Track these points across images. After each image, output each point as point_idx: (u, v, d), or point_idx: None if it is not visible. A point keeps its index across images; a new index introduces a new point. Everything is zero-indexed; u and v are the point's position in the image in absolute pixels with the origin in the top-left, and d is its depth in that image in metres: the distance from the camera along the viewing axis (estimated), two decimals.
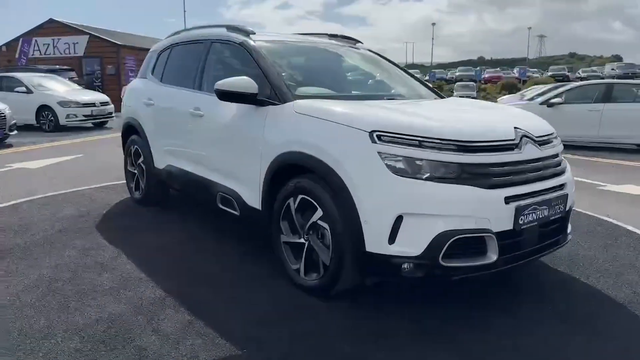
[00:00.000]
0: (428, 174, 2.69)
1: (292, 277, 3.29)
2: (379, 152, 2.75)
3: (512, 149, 2.90)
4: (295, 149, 3.15)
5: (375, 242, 2.75)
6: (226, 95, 3.56)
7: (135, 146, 5.31)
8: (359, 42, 4.94)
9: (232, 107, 3.79)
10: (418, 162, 2.70)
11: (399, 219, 2.68)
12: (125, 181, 5.75)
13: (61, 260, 3.78)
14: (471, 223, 2.68)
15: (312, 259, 3.17)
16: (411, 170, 2.70)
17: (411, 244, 2.69)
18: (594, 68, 44.68)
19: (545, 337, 2.74)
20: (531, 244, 2.97)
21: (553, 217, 3.04)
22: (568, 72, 43.49)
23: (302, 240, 3.22)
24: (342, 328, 2.80)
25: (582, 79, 38.78)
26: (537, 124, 3.30)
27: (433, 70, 54.30)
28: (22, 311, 2.95)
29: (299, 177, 3.18)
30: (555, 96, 11.28)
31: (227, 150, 3.86)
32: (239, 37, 4.08)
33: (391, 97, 3.93)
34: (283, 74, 3.68)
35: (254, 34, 4.13)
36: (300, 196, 3.16)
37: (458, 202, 2.68)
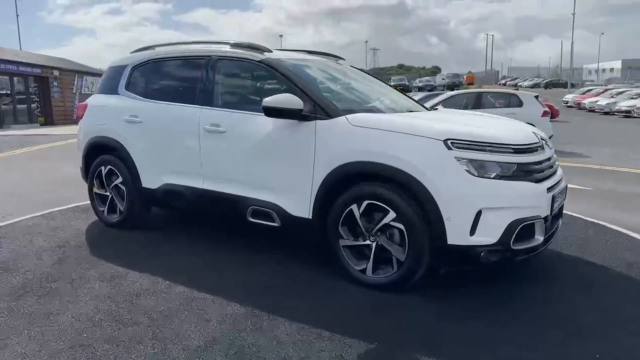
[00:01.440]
0: (495, 174, 3.21)
1: (356, 277, 3.56)
2: (455, 157, 3.19)
3: (538, 150, 3.56)
4: (365, 159, 3.44)
5: (458, 235, 3.19)
6: (273, 112, 3.70)
7: (109, 166, 4.99)
8: (342, 58, 5.30)
9: (266, 123, 3.92)
10: (487, 164, 3.21)
11: (478, 214, 3.16)
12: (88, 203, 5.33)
13: (94, 292, 3.52)
14: (530, 211, 3.28)
15: (379, 258, 3.47)
16: (483, 171, 3.20)
17: (489, 233, 3.18)
18: (428, 78, 50.45)
19: None
20: (552, 227, 3.66)
21: (561, 204, 3.78)
22: (407, 82, 48.39)
23: (367, 242, 3.50)
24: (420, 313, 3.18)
25: (420, 88, 43.44)
26: (538, 130, 4.03)
27: None
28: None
29: (364, 184, 3.47)
30: (435, 105, 12.78)
31: (263, 164, 3.95)
32: (256, 55, 4.19)
33: (410, 110, 4.39)
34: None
35: (271, 52, 4.28)
36: (366, 202, 3.45)
37: (521, 195, 3.25)
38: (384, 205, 3.39)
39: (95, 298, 3.41)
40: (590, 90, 37.02)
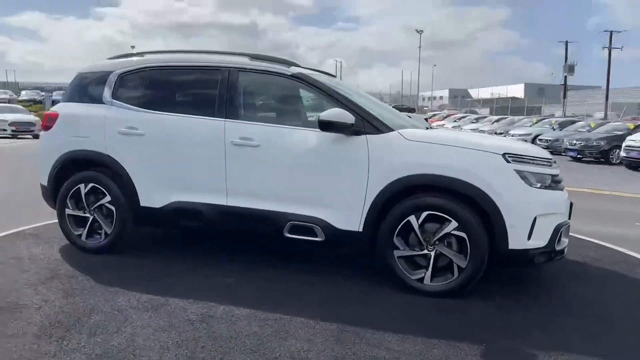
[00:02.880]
0: (540, 184, 3.63)
1: (413, 287, 3.69)
2: (514, 170, 3.54)
3: (552, 165, 4.09)
4: (427, 172, 3.62)
5: (517, 240, 3.53)
6: (327, 126, 3.71)
7: (91, 184, 4.43)
8: (334, 75, 5.37)
9: (307, 137, 3.91)
10: (535, 176, 3.62)
11: (534, 220, 3.54)
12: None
13: (145, 322, 3.13)
14: (563, 217, 3.76)
15: (438, 266, 3.66)
16: (533, 182, 3.60)
17: (541, 237, 3.58)
18: None
19: None
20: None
21: None
22: None
23: (425, 251, 3.67)
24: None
25: None
26: None
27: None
28: None
29: (424, 195, 3.64)
30: None
31: (306, 178, 3.89)
32: (286, 69, 4.14)
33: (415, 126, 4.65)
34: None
35: (298, 65, 4.24)
36: (425, 212, 3.62)
37: (558, 202, 3.72)
38: (445, 216, 3.59)
39: (157, 329, 3.04)
40: (435, 114, 41.50)
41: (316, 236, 3.89)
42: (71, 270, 4.06)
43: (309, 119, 4.42)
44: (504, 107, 51.93)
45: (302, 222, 3.90)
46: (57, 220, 4.62)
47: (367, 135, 3.79)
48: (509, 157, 3.60)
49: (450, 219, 3.58)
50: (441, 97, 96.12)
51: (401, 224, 3.69)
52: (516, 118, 31.41)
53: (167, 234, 5.18)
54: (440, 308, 3.48)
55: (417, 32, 51.63)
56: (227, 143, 4.04)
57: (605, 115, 38.15)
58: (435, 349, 2.89)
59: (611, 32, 42.33)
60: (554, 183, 3.77)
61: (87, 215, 4.50)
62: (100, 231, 4.49)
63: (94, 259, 4.34)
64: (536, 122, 27.46)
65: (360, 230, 3.79)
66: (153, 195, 4.29)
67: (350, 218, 3.80)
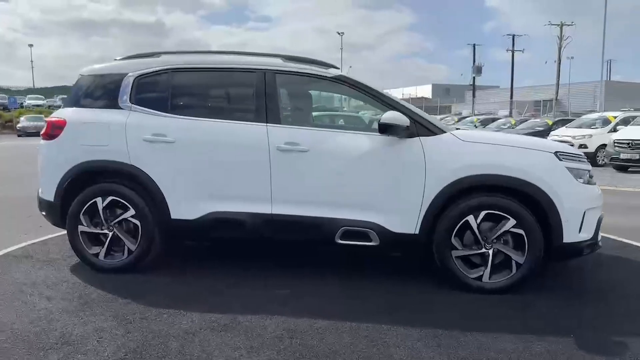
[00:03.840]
0: (584, 179, 3.84)
1: (471, 285, 3.74)
2: (566, 167, 3.71)
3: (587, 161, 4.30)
4: (486, 172, 3.68)
5: (571, 234, 3.70)
6: (386, 129, 3.68)
7: (111, 197, 4.03)
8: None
9: (358, 141, 3.86)
10: (581, 172, 3.82)
11: (584, 214, 3.73)
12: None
13: (236, 346, 2.91)
14: (600, 210, 3.99)
15: (495, 264, 3.75)
16: (580, 178, 3.79)
17: (588, 230, 3.79)
18: None
19: None
20: None
21: None
22: None
23: (483, 250, 3.74)
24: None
25: None
26: None
27: (14, 96, 50.16)
28: None
29: (482, 195, 3.70)
30: None
31: (360, 183, 3.81)
32: (327, 71, 4.03)
33: None
34: None
35: (337, 68, 4.14)
36: (484, 212, 3.69)
37: (598, 196, 3.94)
38: (503, 214, 3.68)
39: (250, 350, 2.83)
40: None
41: (370, 241, 3.82)
42: (104, 294, 3.66)
43: (352, 121, 4.35)
44: (417, 108, 54.32)
45: (356, 227, 3.82)
46: (40, 239, 4.15)
47: (420, 137, 3.79)
48: (560, 155, 3.76)
49: (509, 216, 3.68)
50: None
51: (459, 224, 3.72)
52: (437, 117, 32.93)
53: (176, 249, 4.84)
54: (506, 305, 3.56)
55: (338, 34, 52.55)
56: (272, 148, 3.86)
57: (510, 112, 41.11)
58: (534, 344, 2.94)
59: (513, 36, 45.79)
60: (590, 178, 3.99)
61: (106, 231, 4.09)
62: (120, 248, 4.10)
63: (120, 279, 3.95)
64: (458, 121, 29.01)
65: (417, 232, 3.78)
66: (186, 206, 3.98)
67: (406, 221, 3.78)
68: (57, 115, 4.28)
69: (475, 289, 3.74)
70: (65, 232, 4.25)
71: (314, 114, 4.54)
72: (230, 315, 3.30)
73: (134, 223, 4.05)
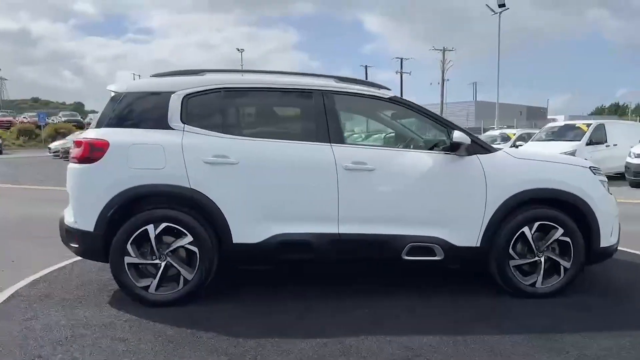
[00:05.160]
0: (607, 189, 4.35)
1: (527, 291, 4.03)
2: (599, 180, 4.19)
3: None
4: (539, 186, 4.01)
5: (606, 239, 4.16)
6: (455, 147, 3.87)
7: (164, 224, 3.75)
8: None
9: (421, 159, 4.02)
10: (605, 184, 4.32)
11: (614, 220, 4.22)
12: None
13: None
14: None
15: (545, 270, 4.09)
16: (606, 189, 4.29)
17: (616, 235, 4.28)
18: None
19: None
20: None
21: None
22: (82, 117, 44.25)
23: (536, 258, 4.06)
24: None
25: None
26: None
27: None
28: None
29: (534, 208, 4.03)
30: None
31: (425, 199, 3.94)
32: (383, 92, 4.15)
33: None
34: None
35: (389, 89, 4.26)
36: (537, 223, 4.03)
37: (617, 204, 4.48)
38: (553, 224, 4.04)
39: None
40: None
41: (435, 255, 3.97)
42: (180, 330, 3.37)
43: (406, 141, 4.46)
44: None
45: (422, 243, 3.95)
46: (37, 275, 3.73)
47: (477, 155, 4.03)
48: (592, 169, 4.23)
49: (557, 226, 4.04)
50: None
51: (516, 235, 4.01)
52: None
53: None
54: (567, 306, 3.88)
55: (238, 50, 51.79)
56: (339, 168, 3.86)
57: None
58: (626, 339, 3.27)
59: (401, 59, 48.90)
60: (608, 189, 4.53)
61: (157, 261, 3.78)
62: (172, 279, 3.81)
63: (178, 312, 3.67)
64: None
65: (478, 245, 4.00)
66: (250, 229, 3.82)
67: (469, 234, 3.98)
68: (93, 136, 3.87)
69: (529, 294, 4.04)
70: (54, 264, 3.94)
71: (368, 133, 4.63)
72: (336, 339, 3.24)
73: (190, 251, 3.79)
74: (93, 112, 58.46)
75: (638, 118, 39.53)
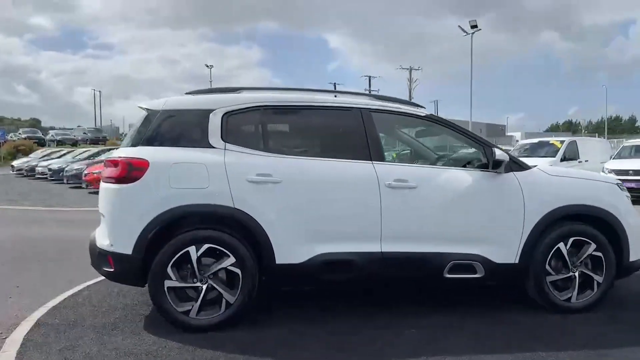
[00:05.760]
0: None
1: (563, 306, 4.09)
2: (626, 196, 4.32)
3: None
4: (572, 203, 4.09)
5: (634, 253, 4.26)
6: (497, 165, 3.93)
7: (207, 245, 3.63)
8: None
9: (460, 176, 4.05)
10: (629, 199, 4.46)
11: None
12: None
13: None
14: None
15: (579, 285, 4.16)
16: (631, 204, 4.44)
17: None
18: (64, 131, 45.40)
19: None
20: None
21: None
22: (43, 134, 42.84)
23: (570, 274, 4.13)
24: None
25: (58, 141, 39.25)
26: None
27: None
28: None
29: (569, 224, 4.11)
30: None
31: (466, 217, 3.96)
32: (420, 110, 4.18)
33: None
34: None
35: (424, 107, 4.29)
36: (572, 238, 4.11)
37: None
38: (587, 239, 4.13)
39: None
40: None
41: (476, 273, 3.98)
42: (232, 357, 3.25)
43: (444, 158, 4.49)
44: None
45: (464, 261, 3.96)
46: (55, 301, 3.67)
47: (514, 172, 4.09)
48: (619, 185, 4.36)
49: (591, 241, 4.13)
50: None
51: (552, 251, 4.08)
52: None
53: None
54: (604, 322, 3.96)
55: (207, 66, 51.37)
56: (382, 186, 3.84)
57: None
58: None
59: (370, 77, 49.71)
60: None
61: (198, 284, 3.64)
62: (213, 303, 3.68)
63: (225, 338, 3.53)
64: None
65: (517, 262, 4.03)
66: (293, 249, 3.74)
67: (508, 251, 4.02)
68: (130, 154, 3.72)
69: (565, 309, 4.09)
70: (65, 289, 4.01)
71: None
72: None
73: (233, 272, 3.67)
74: (52, 128, 57.08)
75: (597, 135, 41.56)
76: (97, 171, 15.94)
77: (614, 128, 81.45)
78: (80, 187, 17.07)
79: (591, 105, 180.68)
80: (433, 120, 4.22)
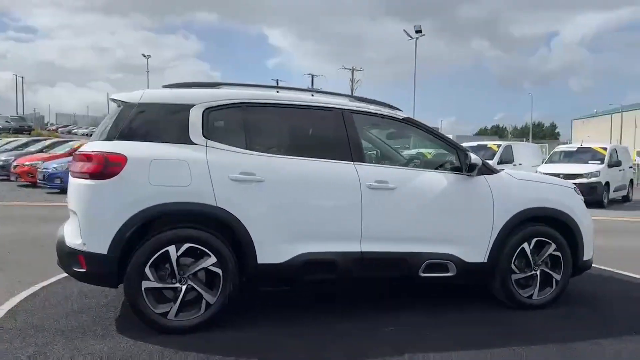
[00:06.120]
0: None
1: (524, 302, 4.31)
2: (581, 199, 4.63)
3: None
4: (537, 205, 4.33)
5: (587, 253, 4.57)
6: (472, 168, 4.08)
7: (187, 245, 3.52)
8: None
9: (436, 179, 4.18)
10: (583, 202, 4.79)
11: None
12: None
13: None
14: None
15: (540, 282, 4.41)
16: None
17: (592, 250, 4.73)
18: None
19: None
20: None
21: None
22: None
23: (532, 272, 4.37)
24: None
25: None
26: None
27: None
28: None
29: (533, 225, 4.34)
30: None
31: (441, 217, 4.09)
32: (398, 113, 4.26)
33: None
34: None
35: (400, 110, 4.37)
36: (536, 239, 4.34)
37: None
38: (548, 240, 4.38)
39: None
40: None
41: (448, 272, 4.12)
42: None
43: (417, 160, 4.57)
44: None
45: (438, 260, 4.08)
46: (9, 304, 3.65)
47: (484, 175, 4.27)
48: (575, 189, 4.66)
49: (551, 242, 4.39)
50: None
51: (517, 251, 4.29)
52: None
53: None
54: (563, 318, 4.23)
55: (144, 56, 49.35)
56: (363, 187, 3.89)
57: None
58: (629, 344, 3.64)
59: (312, 76, 49.79)
60: None
61: (177, 285, 3.53)
62: (192, 303, 3.58)
63: (207, 339, 3.45)
64: None
65: (485, 261, 4.21)
66: (274, 249, 3.71)
67: (478, 251, 4.19)
68: (105, 149, 3.53)
69: (527, 306, 4.32)
70: (18, 291, 3.90)
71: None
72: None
73: (213, 272, 3.59)
74: (17, 118, 52.07)
75: (525, 139, 43.98)
76: (28, 163, 15.01)
77: (537, 133, 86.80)
78: (9, 180, 15.95)
79: (516, 112, 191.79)
80: (410, 122, 4.31)
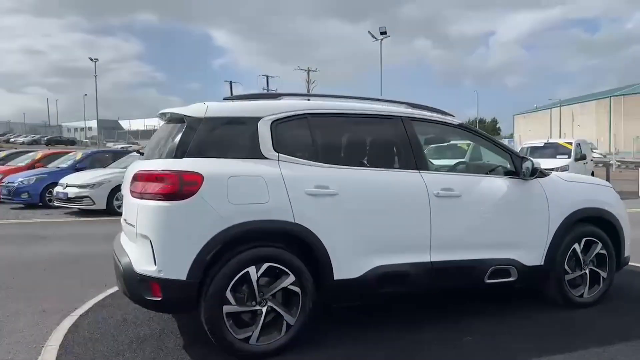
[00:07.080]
0: None
1: (577, 302, 4.41)
2: (620, 198, 4.78)
3: None
4: (585, 206, 4.42)
5: (627, 250, 4.73)
6: (535, 172, 4.13)
7: (266, 264, 3.33)
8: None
9: (496, 184, 4.19)
10: None
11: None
12: None
13: None
14: None
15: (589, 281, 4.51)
16: None
17: (629, 247, 4.90)
18: None
19: None
20: None
21: None
22: None
23: (582, 272, 4.47)
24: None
25: None
26: None
27: None
28: None
29: (581, 225, 4.44)
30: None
31: (502, 222, 4.09)
32: (451, 119, 4.24)
33: None
34: None
35: (453, 115, 4.34)
36: (585, 239, 4.44)
37: None
38: (595, 239, 4.49)
39: None
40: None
41: (510, 277, 4.14)
42: None
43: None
44: None
45: (502, 266, 4.09)
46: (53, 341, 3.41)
47: (538, 178, 4.31)
48: (613, 188, 4.81)
49: (598, 241, 4.50)
50: (90, 128, 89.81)
51: (569, 252, 4.38)
52: None
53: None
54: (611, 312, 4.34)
55: (91, 60, 47.13)
56: (431, 195, 3.83)
57: None
58: None
59: (267, 77, 49.35)
60: None
61: (257, 307, 3.35)
62: (272, 326, 3.40)
63: None
64: None
65: (542, 264, 4.27)
66: (350, 264, 3.58)
67: (536, 254, 4.23)
68: (179, 167, 3.28)
69: (578, 304, 4.41)
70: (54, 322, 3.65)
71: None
72: None
73: (292, 292, 3.43)
74: None
75: None
76: None
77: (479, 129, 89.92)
78: None
79: (458, 108, 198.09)
80: (463, 128, 4.31)
